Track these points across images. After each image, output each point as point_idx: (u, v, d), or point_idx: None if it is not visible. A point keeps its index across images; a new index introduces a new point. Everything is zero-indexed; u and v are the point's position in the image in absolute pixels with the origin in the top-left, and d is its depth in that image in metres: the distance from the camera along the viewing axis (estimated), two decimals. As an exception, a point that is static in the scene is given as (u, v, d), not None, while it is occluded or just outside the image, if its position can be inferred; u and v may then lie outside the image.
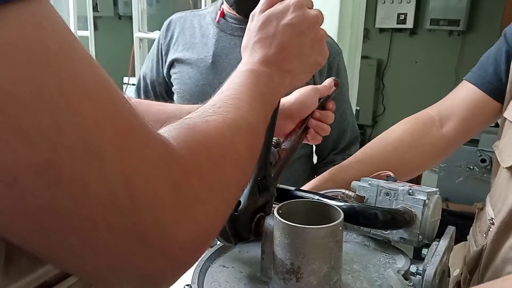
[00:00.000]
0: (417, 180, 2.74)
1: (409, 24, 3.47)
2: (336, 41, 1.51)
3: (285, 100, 0.66)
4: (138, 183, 0.25)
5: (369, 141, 0.79)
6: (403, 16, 3.48)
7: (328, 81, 0.71)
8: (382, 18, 3.56)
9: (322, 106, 0.69)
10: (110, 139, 0.24)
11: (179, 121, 0.34)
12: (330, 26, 1.51)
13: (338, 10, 1.51)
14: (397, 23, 3.51)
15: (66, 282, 0.31)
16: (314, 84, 1.02)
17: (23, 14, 0.21)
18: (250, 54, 0.48)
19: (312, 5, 0.52)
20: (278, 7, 0.49)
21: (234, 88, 0.42)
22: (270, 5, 0.50)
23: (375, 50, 3.70)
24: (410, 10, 3.44)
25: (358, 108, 3.60)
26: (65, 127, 0.22)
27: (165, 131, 0.31)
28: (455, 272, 0.72)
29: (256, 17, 0.50)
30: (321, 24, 0.52)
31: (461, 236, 0.77)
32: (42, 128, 0.21)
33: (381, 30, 3.68)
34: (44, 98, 0.21)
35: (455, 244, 0.79)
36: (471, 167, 2.50)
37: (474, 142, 2.34)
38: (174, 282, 0.31)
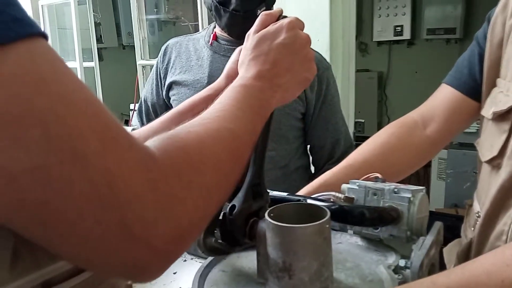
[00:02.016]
0: (426, 187, 2.73)
1: (406, 35, 3.52)
2: (329, 54, 1.56)
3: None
4: (119, 183, 0.29)
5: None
6: (399, 28, 3.54)
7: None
8: (379, 32, 3.62)
9: None
10: (94, 146, 0.29)
11: (163, 133, 0.38)
12: (321, 41, 1.57)
13: (328, 24, 1.56)
14: (394, 35, 3.57)
15: (70, 282, 0.35)
16: (305, 97, 1.07)
17: (22, 50, 0.27)
18: (245, 70, 0.52)
19: (303, 27, 0.57)
20: (272, 27, 0.54)
21: (224, 102, 0.46)
22: (264, 26, 0.55)
23: (375, 63, 3.75)
24: (406, 21, 3.50)
25: (362, 120, 3.65)
26: (53, 136, 0.27)
27: (149, 142, 0.35)
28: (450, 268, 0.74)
29: (251, 37, 0.54)
30: (310, 45, 0.57)
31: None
32: (34, 138, 0.26)
33: (379, 43, 3.74)
34: (35, 114, 0.27)
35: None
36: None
37: (478, 147, 2.33)
38: (160, 274, 0.34)
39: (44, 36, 0.29)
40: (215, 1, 1.01)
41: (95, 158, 0.29)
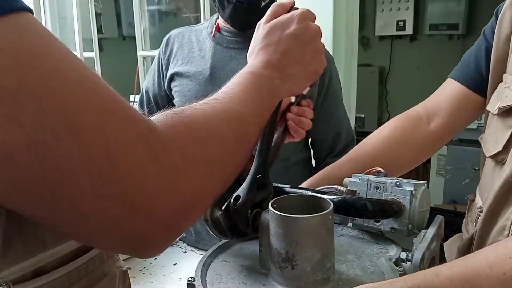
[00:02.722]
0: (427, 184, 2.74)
1: (409, 30, 3.50)
2: (331, 48, 1.55)
3: None
4: (118, 155, 0.29)
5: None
6: (402, 23, 3.52)
7: None
8: (381, 26, 3.61)
9: (298, 104, 0.73)
10: (90, 119, 0.28)
11: (169, 110, 0.38)
12: (324, 35, 1.56)
13: (332, 18, 1.56)
14: (397, 30, 3.55)
15: (61, 270, 0.35)
16: (310, 94, 1.07)
17: (9, 25, 0.27)
18: (255, 59, 0.52)
19: (315, 19, 0.57)
20: (283, 17, 0.54)
21: (232, 87, 0.46)
22: (275, 17, 0.54)
23: (377, 58, 3.74)
24: (408, 16, 3.48)
25: (363, 115, 3.65)
26: (48, 111, 0.27)
27: (154, 117, 0.35)
28: (451, 262, 0.74)
29: (262, 26, 0.54)
30: (321, 37, 0.57)
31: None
32: (29, 113, 0.26)
33: (381, 38, 3.72)
34: (29, 89, 0.26)
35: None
36: (477, 168, 2.51)
37: (479, 143, 2.34)
38: (164, 248, 0.34)
39: (29, 11, 0.29)
40: None
41: (91, 132, 0.28)
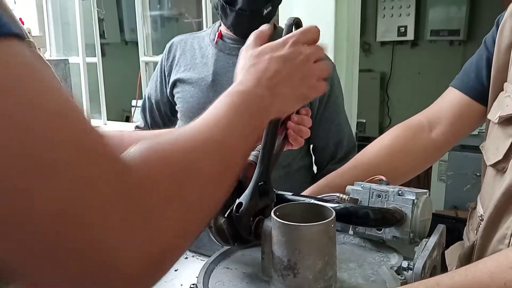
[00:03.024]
0: (426, 189, 2.73)
1: (410, 36, 3.51)
2: (333, 54, 1.56)
3: None
4: (89, 199, 0.26)
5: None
6: (403, 28, 3.53)
7: None
8: (382, 32, 3.61)
9: (297, 112, 0.74)
10: (62, 157, 0.26)
11: (148, 141, 0.34)
12: (326, 40, 1.57)
13: (333, 24, 1.57)
14: (398, 36, 3.56)
15: None
16: (311, 102, 1.07)
17: None
18: (244, 76, 0.51)
19: (316, 41, 0.55)
20: (276, 41, 0.53)
21: (219, 108, 0.44)
22: (257, 41, 0.54)
23: (378, 63, 3.75)
24: (410, 22, 3.49)
25: (364, 120, 3.65)
26: (15, 144, 0.24)
27: (131, 151, 0.32)
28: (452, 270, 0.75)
29: (250, 50, 0.53)
30: (320, 59, 0.55)
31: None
32: None
33: (383, 43, 3.73)
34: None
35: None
36: (478, 174, 2.50)
37: (479, 149, 2.34)
38: None
39: (19, 36, 0.27)
40: (221, 0, 1.01)
41: (63, 171, 0.26)
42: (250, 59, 0.52)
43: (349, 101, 1.63)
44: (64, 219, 0.25)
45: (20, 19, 2.23)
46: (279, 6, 1.09)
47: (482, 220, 0.66)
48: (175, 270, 1.04)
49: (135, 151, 0.32)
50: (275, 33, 1.10)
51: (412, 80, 3.65)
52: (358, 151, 1.14)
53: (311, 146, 1.19)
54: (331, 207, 0.54)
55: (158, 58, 2.25)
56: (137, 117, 2.68)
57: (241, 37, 1.07)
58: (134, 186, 0.29)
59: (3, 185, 0.24)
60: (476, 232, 0.67)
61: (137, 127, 1.25)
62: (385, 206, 0.60)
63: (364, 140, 3.95)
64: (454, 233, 0.83)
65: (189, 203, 0.34)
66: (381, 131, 3.95)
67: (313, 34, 0.55)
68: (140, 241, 0.29)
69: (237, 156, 0.43)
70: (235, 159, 0.43)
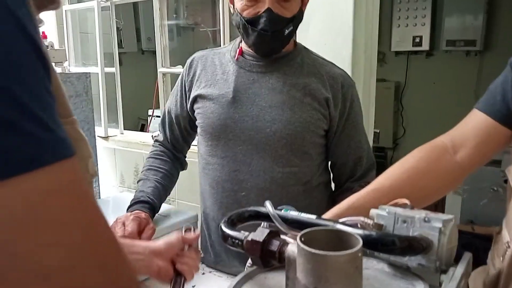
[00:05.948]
0: (441, 203, 2.69)
1: (425, 46, 3.48)
2: (350, 66, 1.56)
3: (155, 243, 0.79)
4: None
5: (390, 163, 0.81)
6: (418, 38, 3.51)
7: (193, 235, 0.82)
8: (397, 42, 3.60)
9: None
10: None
11: None
12: (344, 53, 1.57)
13: (351, 37, 1.57)
14: (413, 46, 3.53)
15: None
16: (329, 114, 1.07)
17: (60, 169, 0.28)
18: None
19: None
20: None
21: None
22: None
23: (392, 73, 3.73)
24: (425, 32, 3.47)
25: (377, 131, 3.62)
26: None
27: None
28: (476, 297, 0.73)
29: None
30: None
31: (486, 259, 0.77)
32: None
33: (397, 53, 3.71)
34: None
35: (477, 267, 0.80)
36: (495, 188, 2.46)
37: (496, 163, 2.30)
38: None
39: (71, 155, 0.29)
40: (243, 20, 1.02)
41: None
42: None
43: (366, 114, 1.62)
44: None
45: (43, 33, 2.27)
46: (298, 26, 1.09)
47: (508, 247, 0.65)
48: (193, 286, 1.05)
49: None
50: (295, 50, 1.11)
51: (427, 91, 3.62)
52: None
53: (329, 163, 1.18)
54: (358, 234, 0.54)
55: (175, 70, 2.28)
56: (153, 127, 2.70)
57: (262, 56, 1.08)
58: None
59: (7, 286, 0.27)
60: (502, 259, 0.66)
61: (156, 140, 1.26)
62: (410, 233, 0.60)
63: (378, 151, 3.92)
64: (471, 247, 0.81)
65: None
66: (396, 141, 3.93)
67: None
68: None
69: None
70: None
